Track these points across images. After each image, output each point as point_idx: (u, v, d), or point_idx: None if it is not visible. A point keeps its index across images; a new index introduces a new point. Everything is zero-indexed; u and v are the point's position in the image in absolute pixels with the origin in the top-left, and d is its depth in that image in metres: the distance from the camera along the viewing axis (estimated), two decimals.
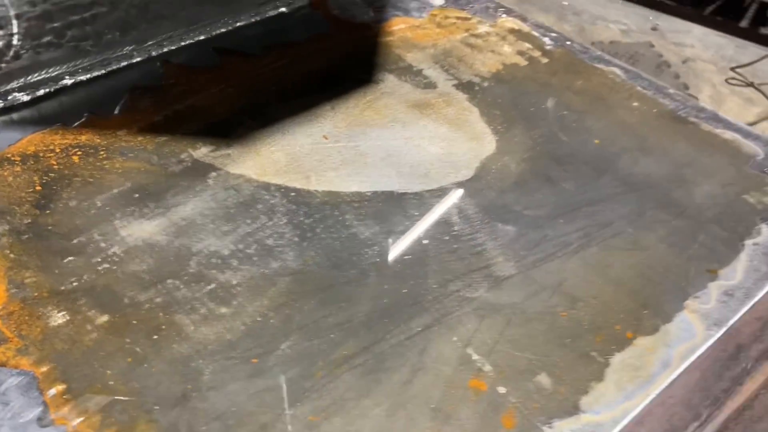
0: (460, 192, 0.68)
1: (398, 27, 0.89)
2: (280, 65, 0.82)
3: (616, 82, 0.82)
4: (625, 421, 0.51)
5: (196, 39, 0.84)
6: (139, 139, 0.71)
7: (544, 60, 0.85)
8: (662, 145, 0.74)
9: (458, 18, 0.91)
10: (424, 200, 0.67)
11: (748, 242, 0.64)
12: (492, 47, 0.87)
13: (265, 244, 0.62)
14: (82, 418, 0.49)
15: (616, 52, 2.37)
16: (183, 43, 0.83)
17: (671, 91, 0.80)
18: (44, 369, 0.52)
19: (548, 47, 0.87)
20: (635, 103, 0.79)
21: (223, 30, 0.86)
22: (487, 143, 0.74)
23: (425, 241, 0.63)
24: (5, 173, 0.66)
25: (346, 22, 0.90)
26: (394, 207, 0.66)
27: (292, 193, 0.67)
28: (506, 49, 0.86)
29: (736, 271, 0.62)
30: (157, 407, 0.50)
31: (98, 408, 0.50)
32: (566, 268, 0.62)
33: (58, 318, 0.55)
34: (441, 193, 0.68)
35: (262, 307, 0.57)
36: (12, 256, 0.59)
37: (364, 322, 0.57)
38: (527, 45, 0.87)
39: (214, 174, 0.68)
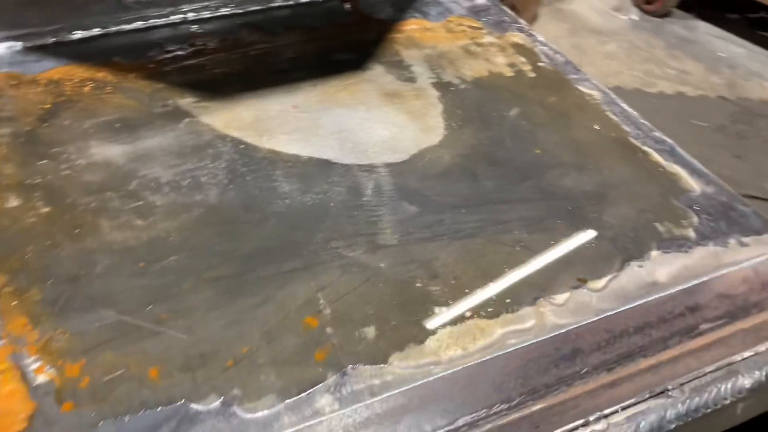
0: (384, 170, 0.74)
1: (410, 27, 0.96)
2: (290, 43, 0.93)
3: (588, 104, 0.84)
4: (424, 380, 0.56)
5: (230, 12, 0.96)
6: (142, 83, 0.84)
7: (531, 74, 0.89)
8: (600, 165, 0.76)
9: (470, 26, 0.97)
10: (350, 171, 0.74)
11: (634, 263, 0.65)
12: (487, 56, 0.92)
13: (198, 180, 0.72)
14: None
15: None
16: (217, 13, 0.95)
17: (642, 121, 0.81)
18: None
19: (541, 64, 0.90)
20: (596, 126, 0.81)
21: (256, 8, 0.97)
22: (434, 136, 0.79)
23: (332, 204, 0.70)
24: (29, 91, 0.81)
25: (366, 16, 0.98)
26: (321, 172, 0.74)
27: (242, 146, 0.77)
28: (499, 59, 0.91)
29: (604, 284, 0.63)
30: (52, 281, 0.61)
31: (9, 271, 0.62)
32: (444, 249, 0.66)
33: (13, 202, 0.68)
34: (368, 169, 0.75)
35: (170, 227, 0.67)
36: (4, 151, 0.73)
37: (245, 255, 0.65)
38: (522, 59, 0.91)
39: (187, 120, 0.80)
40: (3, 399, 0.53)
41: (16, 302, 0.59)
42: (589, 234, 0.68)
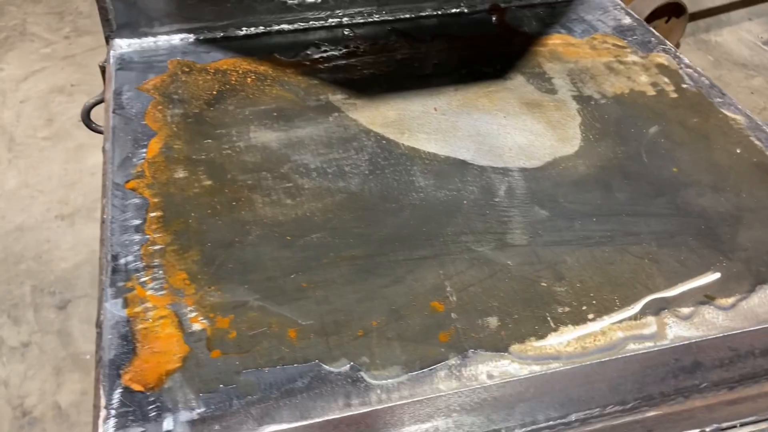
0: (518, 175, 0.77)
1: (554, 42, 0.98)
2: (435, 50, 0.97)
3: (732, 128, 0.83)
4: (542, 372, 0.58)
5: (381, 18, 1.02)
6: (299, 78, 0.91)
7: (674, 95, 0.89)
8: (738, 188, 0.75)
9: (614, 45, 0.98)
10: (484, 173, 0.77)
11: (767, 287, 0.64)
12: (630, 74, 0.92)
13: (342, 169, 0.78)
14: (160, 234, 0.69)
15: None
16: (369, 19, 1.02)
17: None
18: (156, 200, 0.73)
19: (685, 86, 0.90)
20: (738, 150, 0.80)
21: (406, 16, 1.03)
22: (571, 146, 0.81)
23: (465, 202, 0.74)
24: (199, 78, 0.90)
25: (511, 29, 1.02)
26: (456, 171, 0.78)
27: (384, 141, 0.82)
28: (642, 78, 0.91)
29: (732, 303, 0.63)
30: (209, 244, 0.69)
31: (173, 232, 0.70)
32: (572, 254, 0.68)
33: (181, 173, 0.76)
34: (503, 171, 0.78)
35: (315, 208, 0.73)
36: (175, 129, 0.82)
37: (380, 240, 0.70)
38: (665, 79, 0.91)
39: (336, 114, 0.86)
40: (162, 340, 0.60)
41: (177, 259, 0.67)
42: (721, 253, 0.68)
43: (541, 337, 0.61)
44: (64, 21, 3.37)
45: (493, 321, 0.62)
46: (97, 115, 0.98)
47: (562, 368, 0.59)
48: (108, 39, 0.95)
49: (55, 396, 1.87)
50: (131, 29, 0.95)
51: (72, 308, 2.07)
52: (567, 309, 0.63)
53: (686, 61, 0.93)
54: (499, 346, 0.60)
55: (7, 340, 1.98)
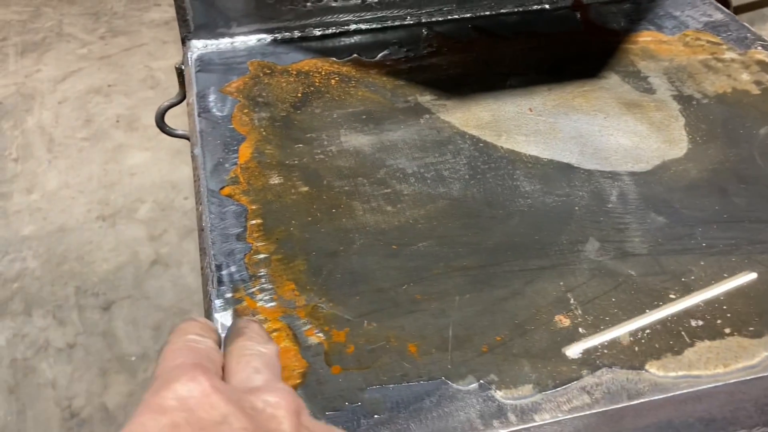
0: (629, 179, 0.73)
1: (644, 39, 0.95)
2: (522, 48, 0.94)
3: None
4: (681, 392, 0.54)
5: (461, 16, 0.99)
6: (384, 79, 0.88)
7: None
8: None
9: (709, 41, 0.94)
10: (592, 177, 0.74)
11: None
12: (730, 72, 0.88)
13: (441, 173, 0.75)
14: (263, 243, 0.67)
15: None
16: (449, 17, 0.99)
17: None
18: (254, 207, 0.70)
19: None
20: None
21: (486, 13, 1.00)
22: (678, 149, 0.77)
23: (576, 208, 0.71)
24: (282, 80, 0.88)
25: (597, 26, 0.98)
26: (562, 175, 0.74)
27: (481, 144, 0.78)
28: (744, 76, 0.87)
29: None
30: (314, 253, 0.66)
31: (276, 240, 0.67)
32: (697, 263, 0.64)
33: (276, 179, 0.74)
34: (611, 176, 0.74)
35: (417, 215, 0.70)
36: (264, 133, 0.80)
37: (491, 248, 0.66)
38: None
39: (427, 116, 0.83)
40: (281, 354, 0.57)
41: (284, 269, 0.64)
42: None
43: (678, 353, 0.57)
44: (100, 22, 3.37)
45: (624, 336, 0.59)
46: (169, 119, 0.96)
47: (703, 387, 0.55)
48: (185, 40, 0.93)
49: (101, 397, 1.86)
50: (208, 30, 0.92)
51: (116, 309, 2.07)
52: (701, 323, 0.59)
53: None
54: (634, 363, 0.57)
55: (53, 341, 1.98)
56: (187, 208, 2.36)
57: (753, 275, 0.63)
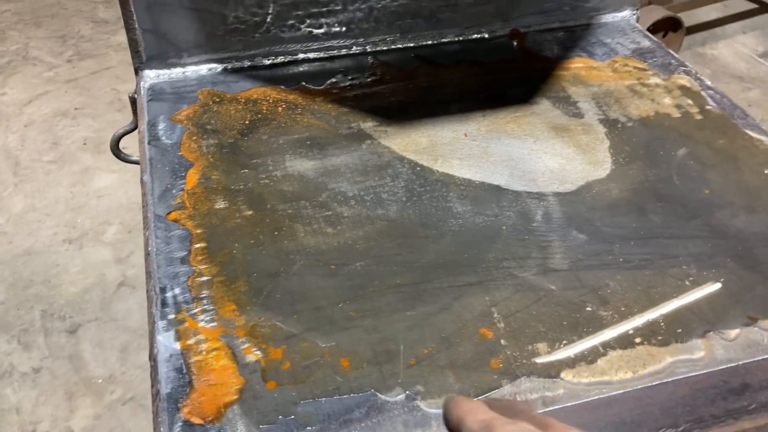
0: (554, 199, 0.78)
1: (576, 65, 1.00)
2: (460, 76, 0.99)
3: (758, 149, 0.84)
4: (593, 398, 0.59)
5: (404, 45, 1.04)
6: (329, 106, 0.92)
7: (698, 117, 0.90)
8: None
9: (635, 67, 0.99)
10: (520, 198, 0.79)
11: None
12: (653, 96, 0.94)
13: (380, 196, 0.79)
14: (206, 265, 0.70)
15: None
16: (393, 47, 1.03)
17: None
18: (198, 231, 0.74)
19: (708, 107, 0.92)
20: (767, 171, 0.81)
21: (428, 42, 1.04)
22: (602, 170, 0.82)
23: (503, 227, 0.75)
24: (231, 108, 0.92)
25: (533, 53, 1.03)
26: (492, 196, 0.79)
27: (418, 168, 0.83)
28: (666, 100, 0.93)
29: None
30: (255, 274, 0.70)
31: (219, 263, 0.71)
32: (613, 278, 0.69)
33: (221, 204, 0.77)
34: (538, 196, 0.79)
35: (356, 236, 0.74)
36: (211, 159, 0.83)
37: (423, 266, 0.71)
38: (689, 101, 0.93)
39: (368, 141, 0.87)
40: (218, 372, 0.60)
41: (225, 291, 0.68)
42: (760, 274, 0.69)
43: (591, 362, 0.62)
44: (66, 45, 3.38)
45: (542, 347, 0.63)
46: (124, 145, 0.99)
47: (613, 393, 0.60)
48: (137, 70, 0.96)
49: (68, 421, 1.86)
50: (160, 60, 0.96)
51: (83, 332, 2.07)
52: (614, 333, 0.64)
53: (708, 83, 0.95)
54: (550, 372, 0.61)
55: (18, 365, 1.98)
56: None
57: (667, 288, 0.68)
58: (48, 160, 2.70)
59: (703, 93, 0.94)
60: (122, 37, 3.39)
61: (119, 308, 2.13)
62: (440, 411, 0.57)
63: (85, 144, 2.77)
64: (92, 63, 3.25)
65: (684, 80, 0.96)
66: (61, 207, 2.49)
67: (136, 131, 0.94)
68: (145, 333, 2.05)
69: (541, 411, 0.58)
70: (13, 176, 2.63)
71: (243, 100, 0.93)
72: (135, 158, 1.00)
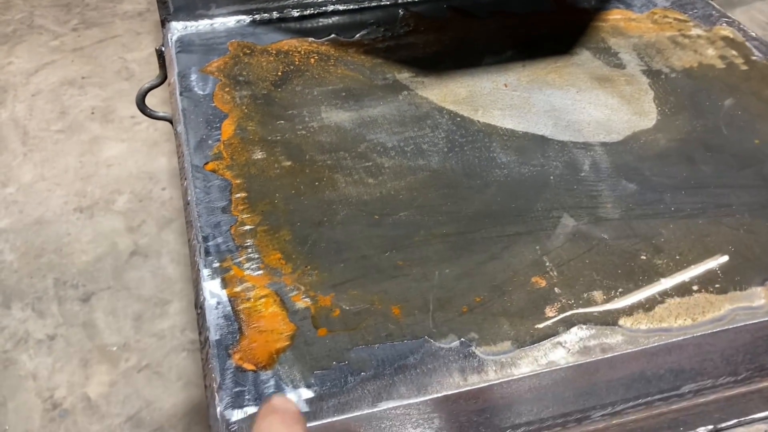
0: (601, 149, 0.76)
1: (614, 17, 0.97)
2: (496, 27, 0.96)
3: None
4: (652, 345, 0.57)
5: None
6: (362, 57, 0.90)
7: (744, 67, 0.88)
8: None
9: (675, 19, 0.97)
10: (566, 148, 0.77)
11: None
12: (696, 48, 0.91)
13: (420, 147, 0.77)
14: (248, 215, 0.68)
15: None
16: None
17: None
18: (238, 181, 0.72)
19: (754, 58, 0.89)
20: None
21: None
22: (648, 120, 0.80)
23: (551, 177, 0.73)
24: (262, 59, 0.89)
25: (568, 5, 1.00)
26: (536, 147, 0.77)
27: (458, 119, 0.81)
28: (710, 51, 0.90)
29: None
30: (299, 224, 0.68)
31: (261, 212, 0.69)
32: (667, 227, 0.67)
33: (259, 155, 0.75)
34: (584, 146, 0.77)
35: (398, 186, 0.72)
36: (246, 110, 0.81)
37: (469, 216, 0.69)
38: (733, 52, 0.90)
39: (405, 93, 0.85)
40: (267, 318, 0.59)
41: (270, 239, 0.66)
42: None
43: (649, 309, 0.60)
44: (72, 13, 3.33)
45: (598, 294, 0.61)
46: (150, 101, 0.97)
47: (673, 340, 0.58)
48: (164, 22, 0.94)
49: (84, 388, 1.86)
50: (188, 12, 0.93)
51: (96, 300, 2.06)
52: (670, 281, 0.62)
53: (753, 33, 0.92)
54: (607, 319, 0.59)
55: (33, 333, 1.97)
56: (165, 198, 2.35)
57: (721, 237, 0.66)
58: (56, 130, 2.67)
59: (747, 44, 0.91)
60: (128, 5, 3.35)
61: (132, 277, 2.12)
62: (496, 358, 0.56)
63: (93, 113, 2.74)
64: (98, 32, 3.21)
65: (727, 31, 0.94)
66: (71, 176, 2.46)
67: (164, 85, 0.92)
68: (158, 302, 2.05)
69: (598, 358, 0.57)
70: (22, 146, 2.61)
71: (274, 52, 0.90)
72: (161, 114, 0.98)
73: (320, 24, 0.97)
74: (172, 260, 2.18)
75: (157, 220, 2.30)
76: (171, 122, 0.84)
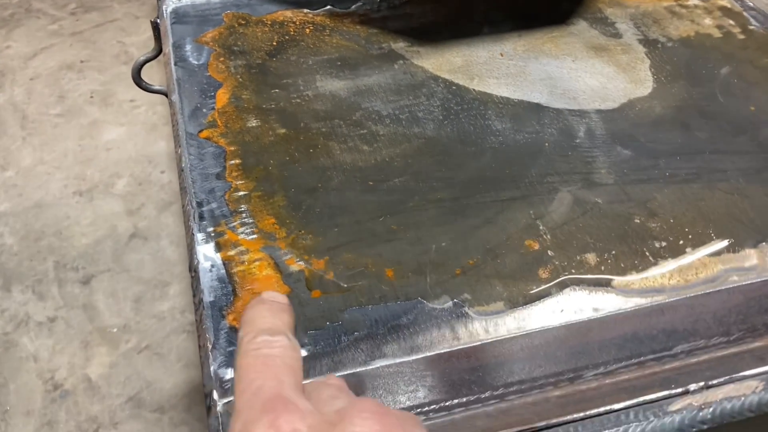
0: (596, 116, 0.76)
1: None
2: None
3: None
4: (645, 305, 0.57)
5: None
6: (357, 27, 0.90)
7: (741, 36, 0.87)
8: None
9: None
10: (561, 115, 0.76)
11: None
12: (693, 17, 0.91)
13: (415, 114, 0.77)
14: (243, 181, 0.68)
15: None
16: None
17: None
18: (232, 148, 0.72)
19: (751, 27, 0.89)
20: None
21: None
22: (644, 88, 0.80)
23: (545, 144, 0.73)
24: (257, 30, 0.89)
25: None
26: (532, 114, 0.77)
27: (453, 87, 0.80)
28: (707, 21, 0.90)
29: None
30: (293, 190, 0.68)
31: (255, 179, 0.69)
32: (661, 191, 0.67)
33: (253, 122, 0.75)
34: (579, 114, 0.77)
35: (393, 154, 0.72)
36: (240, 79, 0.81)
37: (464, 182, 0.69)
38: (730, 21, 0.90)
39: (401, 62, 0.84)
40: (261, 281, 0.59)
41: (264, 205, 0.66)
42: None
43: (642, 270, 0.60)
44: None
45: (591, 257, 0.61)
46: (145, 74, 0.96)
47: (666, 300, 0.58)
48: None
49: (84, 369, 1.87)
50: None
51: (96, 283, 2.07)
52: (664, 243, 0.62)
53: (750, 3, 0.92)
54: (600, 280, 0.59)
55: (34, 315, 1.98)
56: (165, 181, 2.36)
57: (715, 201, 0.66)
58: (55, 114, 2.67)
59: (745, 13, 0.91)
60: None
61: (132, 259, 2.12)
62: (489, 318, 0.56)
63: (92, 97, 2.74)
64: (96, 15, 3.20)
65: (724, 1, 0.93)
66: (70, 160, 2.47)
67: (159, 57, 0.92)
68: (158, 284, 2.05)
69: (590, 317, 0.57)
70: (21, 130, 2.60)
71: (269, 22, 0.90)
72: (157, 87, 0.97)
73: None
74: (171, 243, 2.18)
75: (157, 203, 2.30)
76: (166, 95, 0.83)
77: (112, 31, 3.09)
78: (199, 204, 0.65)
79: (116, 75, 2.82)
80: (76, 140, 2.53)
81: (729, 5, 0.93)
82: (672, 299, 0.58)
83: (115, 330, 1.94)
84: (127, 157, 2.46)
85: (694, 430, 0.52)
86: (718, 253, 0.61)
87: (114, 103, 2.67)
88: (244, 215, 0.65)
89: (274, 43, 0.87)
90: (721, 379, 0.53)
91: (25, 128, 2.59)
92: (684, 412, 0.52)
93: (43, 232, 2.22)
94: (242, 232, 0.63)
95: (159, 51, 0.93)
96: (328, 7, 0.94)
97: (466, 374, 0.55)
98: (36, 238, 2.20)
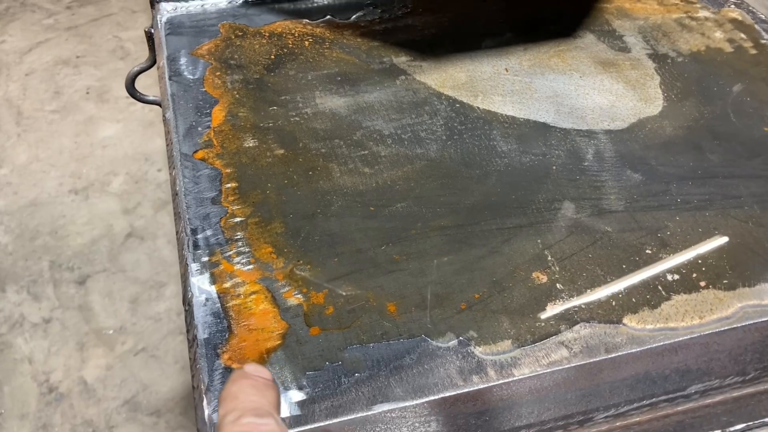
0: (605, 137, 0.73)
1: None
2: (496, 9, 0.93)
3: None
4: (658, 345, 0.55)
5: None
6: (358, 40, 0.87)
7: (753, 51, 0.85)
8: None
9: (683, 0, 0.93)
10: (568, 136, 0.74)
11: None
12: (703, 30, 0.88)
13: (418, 134, 0.74)
14: (239, 206, 0.66)
15: None
16: None
17: None
18: (228, 170, 0.69)
19: (764, 41, 0.86)
20: None
21: None
22: (654, 106, 0.77)
23: (553, 167, 0.70)
24: (255, 42, 0.86)
25: None
26: (538, 135, 0.74)
27: (457, 105, 0.78)
28: (717, 35, 0.87)
29: None
30: (291, 215, 0.65)
31: (252, 203, 0.66)
32: (672, 219, 0.65)
33: (250, 142, 0.73)
34: (588, 134, 0.74)
35: (395, 176, 0.70)
36: (237, 96, 0.78)
37: (468, 208, 0.66)
38: (741, 35, 0.87)
39: (402, 77, 0.82)
40: (258, 316, 0.57)
41: (261, 232, 0.64)
42: None
43: (654, 306, 0.58)
44: None
45: (602, 291, 0.59)
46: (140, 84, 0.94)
47: (679, 339, 0.56)
48: (153, 3, 0.90)
49: (80, 371, 1.85)
50: None
51: (92, 283, 2.04)
52: (677, 276, 0.60)
53: (762, 15, 0.89)
54: (611, 317, 0.57)
55: (29, 316, 1.96)
56: (161, 180, 2.33)
57: (729, 230, 0.64)
58: (51, 110, 2.64)
59: (757, 26, 0.88)
60: None
61: (128, 259, 2.10)
62: (496, 358, 0.54)
63: (88, 93, 2.70)
64: (92, 10, 3.16)
65: (735, 13, 0.91)
66: (66, 157, 2.44)
67: (153, 68, 0.89)
68: (155, 284, 2.03)
69: (602, 358, 0.55)
70: (16, 126, 2.57)
71: (267, 34, 0.87)
72: (151, 98, 0.95)
73: (315, 4, 0.93)
74: (168, 242, 2.16)
75: (153, 202, 2.28)
76: (161, 106, 0.81)
77: (108, 26, 3.05)
78: (194, 231, 0.63)
79: (112, 71, 2.78)
80: (72, 137, 2.50)
81: (740, 18, 0.90)
82: (686, 337, 0.56)
83: (111, 331, 1.92)
84: (123, 155, 2.43)
85: None
86: (733, 287, 0.59)
87: (110, 99, 2.64)
88: (240, 243, 0.62)
89: (272, 57, 0.84)
90: (739, 426, 0.51)
91: (20, 125, 2.56)
92: None
93: (38, 231, 2.19)
94: (238, 262, 0.61)
95: (153, 61, 0.90)
96: (328, 17, 0.91)
97: (473, 418, 0.52)
98: (31, 237, 2.17)
